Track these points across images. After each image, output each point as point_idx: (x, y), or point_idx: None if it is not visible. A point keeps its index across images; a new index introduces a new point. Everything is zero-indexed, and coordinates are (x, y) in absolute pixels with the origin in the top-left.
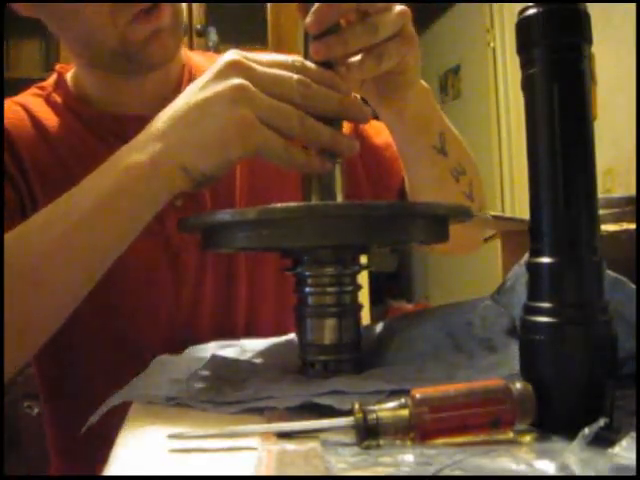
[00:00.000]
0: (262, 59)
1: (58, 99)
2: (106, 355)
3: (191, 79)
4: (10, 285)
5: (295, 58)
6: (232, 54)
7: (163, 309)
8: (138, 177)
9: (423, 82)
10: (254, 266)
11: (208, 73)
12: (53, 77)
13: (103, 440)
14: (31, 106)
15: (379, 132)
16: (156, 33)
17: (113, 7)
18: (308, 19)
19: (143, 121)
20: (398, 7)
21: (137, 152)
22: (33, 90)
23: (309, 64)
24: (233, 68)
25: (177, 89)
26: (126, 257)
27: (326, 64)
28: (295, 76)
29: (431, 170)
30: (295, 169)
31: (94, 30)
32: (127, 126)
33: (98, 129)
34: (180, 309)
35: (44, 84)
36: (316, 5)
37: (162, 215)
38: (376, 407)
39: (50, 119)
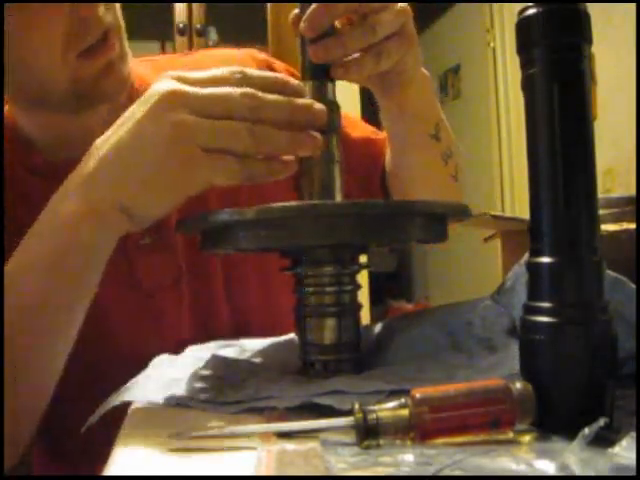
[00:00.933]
0: (199, 77)
1: None
2: (87, 393)
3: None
4: None
5: (234, 69)
6: (165, 83)
7: (147, 351)
8: (76, 230)
9: (423, 70)
10: (234, 290)
11: (142, 106)
12: None
13: (103, 440)
14: None
15: (356, 126)
16: (109, 66)
17: (65, 43)
18: (302, 23)
19: None
20: (398, 5)
21: (70, 201)
22: None
23: (249, 71)
24: (168, 100)
25: None
26: (102, 310)
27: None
28: (238, 90)
29: (425, 156)
30: (261, 181)
31: (44, 73)
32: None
33: (45, 175)
34: (162, 347)
35: None
36: (311, 7)
37: (131, 259)
38: (376, 407)
39: None
